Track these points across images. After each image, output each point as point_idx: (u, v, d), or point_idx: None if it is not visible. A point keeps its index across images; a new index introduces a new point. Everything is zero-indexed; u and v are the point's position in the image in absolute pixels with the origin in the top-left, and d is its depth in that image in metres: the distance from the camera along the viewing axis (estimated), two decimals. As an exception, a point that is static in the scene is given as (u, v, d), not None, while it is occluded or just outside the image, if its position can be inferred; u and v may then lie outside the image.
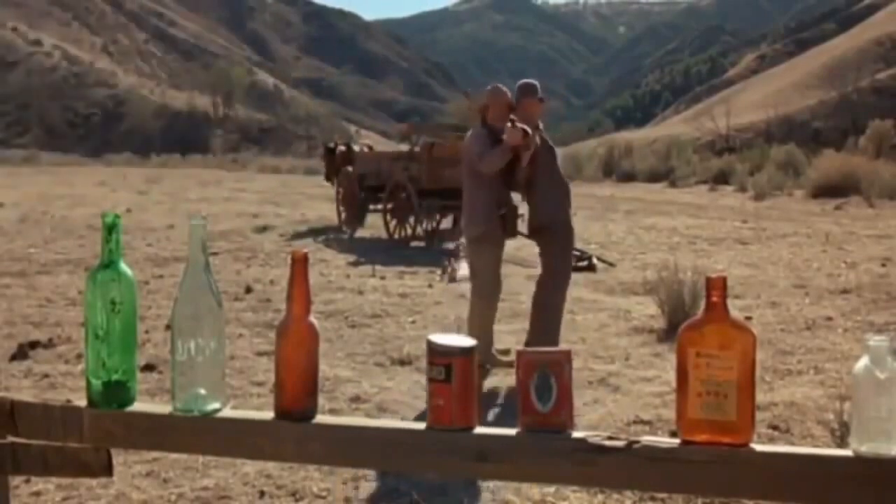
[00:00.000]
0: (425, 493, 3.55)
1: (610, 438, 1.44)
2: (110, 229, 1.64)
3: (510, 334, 6.16)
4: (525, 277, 8.12)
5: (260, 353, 5.68)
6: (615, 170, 28.58)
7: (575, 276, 8.05)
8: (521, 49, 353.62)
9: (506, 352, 5.56)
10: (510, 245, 5.97)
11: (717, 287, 1.45)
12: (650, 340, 6.22)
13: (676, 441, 1.45)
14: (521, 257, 9.30)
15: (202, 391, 1.62)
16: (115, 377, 1.64)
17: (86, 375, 1.66)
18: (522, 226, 5.66)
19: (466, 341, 1.56)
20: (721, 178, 24.48)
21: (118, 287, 1.63)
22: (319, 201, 17.70)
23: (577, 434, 1.47)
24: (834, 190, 18.33)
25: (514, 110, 5.38)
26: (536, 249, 5.68)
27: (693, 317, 1.49)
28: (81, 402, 1.66)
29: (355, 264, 10.02)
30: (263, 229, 13.47)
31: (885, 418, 1.35)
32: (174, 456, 3.74)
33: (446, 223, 12.89)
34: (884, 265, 9.18)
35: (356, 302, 7.55)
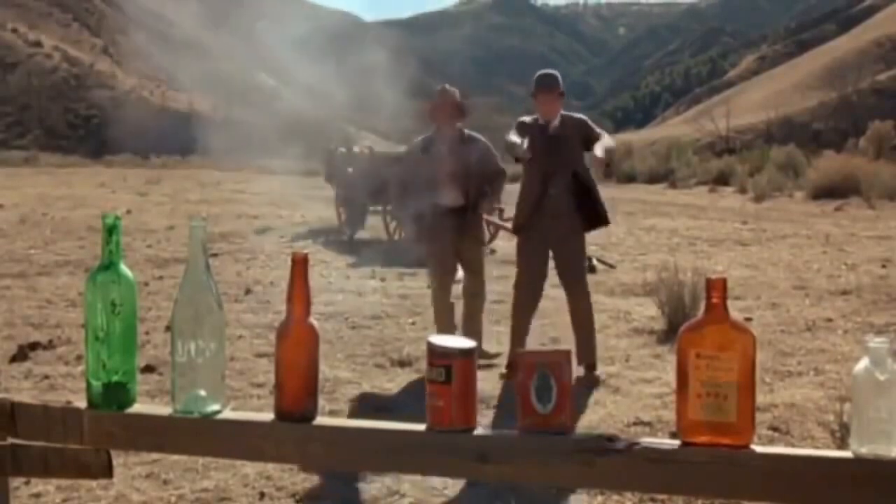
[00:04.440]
0: (425, 493, 3.55)
1: (610, 440, 1.44)
2: (110, 231, 1.64)
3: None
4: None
5: (260, 355, 5.68)
6: (615, 171, 28.52)
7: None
8: (520, 50, 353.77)
9: (494, 355, 5.59)
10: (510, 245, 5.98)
11: (717, 288, 1.45)
12: (650, 342, 6.22)
13: (676, 442, 1.45)
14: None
15: (202, 392, 1.62)
16: (115, 378, 1.64)
17: (86, 377, 1.66)
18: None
19: (466, 343, 1.56)
20: (721, 180, 24.45)
21: (118, 288, 1.63)
22: (319, 203, 17.69)
23: (577, 435, 1.47)
24: (834, 191, 18.32)
25: (462, 111, 5.53)
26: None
27: (693, 318, 1.49)
28: (81, 403, 1.67)
29: (355, 266, 10.02)
30: (263, 231, 13.46)
31: (885, 420, 1.35)
32: (174, 457, 3.74)
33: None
34: (884, 266, 9.17)
35: (356, 303, 7.55)
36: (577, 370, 5.06)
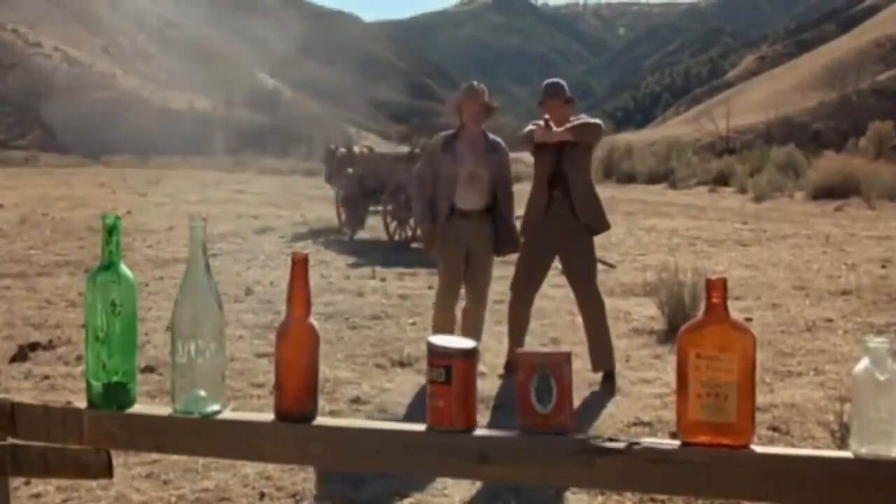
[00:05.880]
0: (425, 493, 3.55)
1: (610, 440, 1.45)
2: (110, 231, 1.64)
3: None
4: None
5: (260, 355, 5.68)
6: (615, 171, 28.54)
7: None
8: (520, 50, 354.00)
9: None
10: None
11: (717, 288, 1.45)
12: (650, 342, 6.22)
13: (676, 443, 1.45)
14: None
15: (202, 393, 1.62)
16: (115, 379, 1.64)
17: (86, 377, 1.66)
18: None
19: (466, 343, 1.56)
20: (721, 180, 24.45)
21: (118, 289, 1.63)
22: (320, 203, 17.71)
23: (577, 435, 1.48)
24: (834, 191, 18.33)
25: (489, 111, 5.38)
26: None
27: (693, 318, 1.49)
28: (81, 403, 1.67)
29: (355, 266, 10.02)
30: (264, 231, 13.47)
31: (885, 420, 1.35)
32: (174, 457, 3.74)
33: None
34: (884, 266, 9.18)
35: (356, 303, 7.55)
36: (581, 375, 5.05)
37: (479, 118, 5.32)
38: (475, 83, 5.39)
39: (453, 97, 5.63)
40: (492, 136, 5.43)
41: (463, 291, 5.49)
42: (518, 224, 5.53)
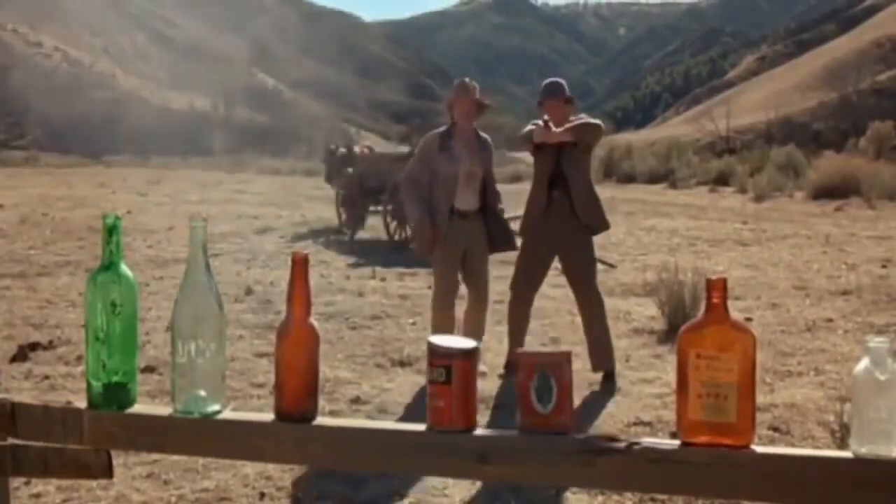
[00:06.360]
0: (425, 493, 3.55)
1: (610, 440, 1.44)
2: (111, 231, 1.64)
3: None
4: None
5: (260, 355, 5.68)
6: (615, 171, 28.52)
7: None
8: (520, 50, 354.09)
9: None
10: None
11: (717, 288, 1.45)
12: (650, 342, 6.22)
13: (676, 442, 1.45)
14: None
15: (202, 393, 1.62)
16: (115, 379, 1.64)
17: (86, 377, 1.66)
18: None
19: (467, 343, 1.56)
20: (721, 180, 24.43)
21: (118, 289, 1.63)
22: (320, 203, 17.71)
23: (577, 435, 1.47)
24: (834, 191, 18.31)
25: (482, 108, 5.34)
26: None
27: (693, 318, 1.50)
28: (82, 403, 1.67)
29: (355, 266, 10.02)
30: (264, 231, 13.47)
31: (885, 420, 1.35)
32: (174, 457, 3.74)
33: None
34: (884, 266, 9.17)
35: (356, 303, 7.55)
36: (581, 375, 5.04)
37: (471, 116, 5.26)
38: (466, 80, 5.32)
39: (446, 95, 5.58)
40: (482, 133, 5.40)
41: (463, 293, 5.46)
42: (517, 224, 5.51)
